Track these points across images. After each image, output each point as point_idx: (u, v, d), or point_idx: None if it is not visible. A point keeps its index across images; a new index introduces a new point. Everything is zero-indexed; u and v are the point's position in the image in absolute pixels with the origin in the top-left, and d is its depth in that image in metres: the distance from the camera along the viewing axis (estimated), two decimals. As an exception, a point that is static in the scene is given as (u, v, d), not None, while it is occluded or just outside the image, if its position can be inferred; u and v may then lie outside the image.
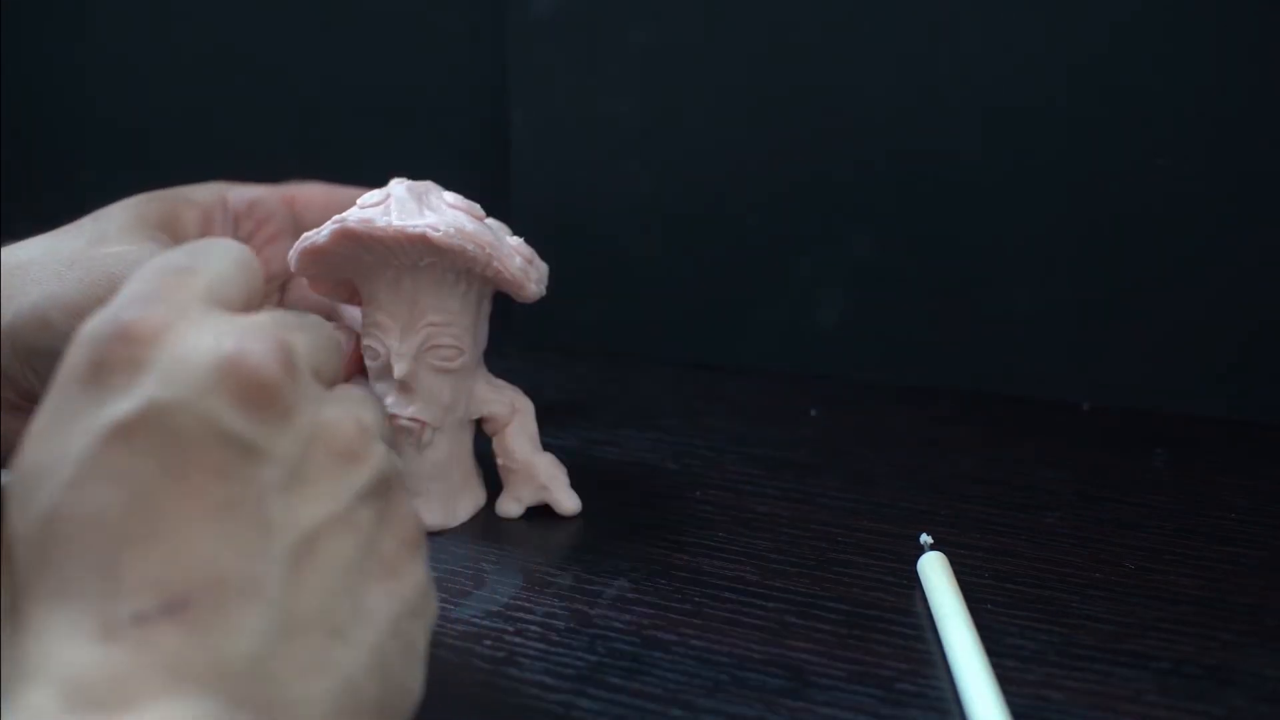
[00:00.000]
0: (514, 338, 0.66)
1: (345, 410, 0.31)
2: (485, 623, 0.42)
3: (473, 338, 0.48)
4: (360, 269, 0.47)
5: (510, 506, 0.49)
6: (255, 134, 0.72)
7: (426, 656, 0.32)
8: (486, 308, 0.48)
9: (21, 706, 0.26)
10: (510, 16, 0.63)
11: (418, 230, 0.44)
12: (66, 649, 0.27)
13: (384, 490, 0.32)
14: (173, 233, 0.49)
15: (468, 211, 0.46)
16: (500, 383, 0.49)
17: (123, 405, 0.28)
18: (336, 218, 0.46)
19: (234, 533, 0.28)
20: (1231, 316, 0.56)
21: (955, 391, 0.60)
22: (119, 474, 0.28)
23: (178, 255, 0.32)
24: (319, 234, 0.46)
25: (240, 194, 0.52)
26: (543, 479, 0.49)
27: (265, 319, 0.31)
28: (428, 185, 0.47)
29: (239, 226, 0.52)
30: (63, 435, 0.29)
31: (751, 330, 0.64)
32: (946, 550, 0.44)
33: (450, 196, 0.47)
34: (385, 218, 0.45)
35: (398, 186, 0.46)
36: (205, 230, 0.51)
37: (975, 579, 0.43)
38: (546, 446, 0.50)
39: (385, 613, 0.30)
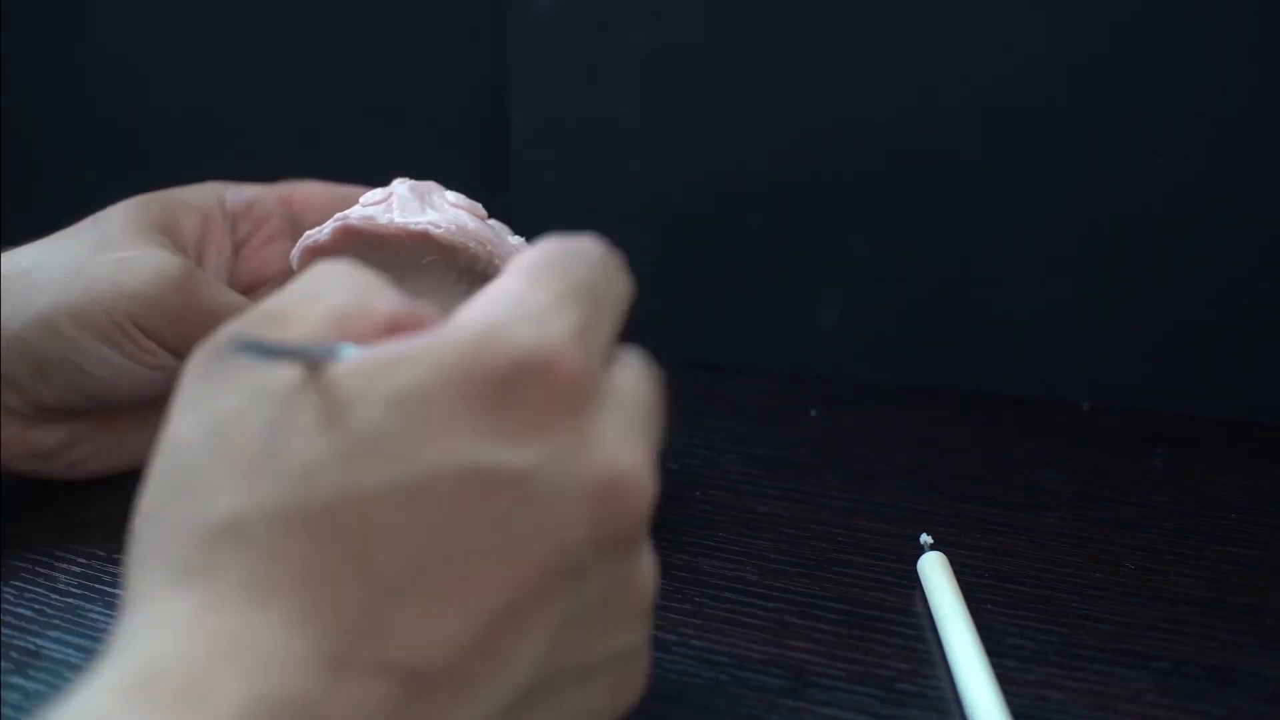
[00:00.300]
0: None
1: (651, 563, 0.31)
2: (485, 622, 0.42)
3: (473, 337, 0.48)
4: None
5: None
6: (255, 134, 0.72)
7: None
8: (487, 307, 0.48)
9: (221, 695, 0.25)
10: (510, 16, 0.63)
11: (420, 227, 0.44)
12: (294, 656, 0.25)
13: (630, 659, 0.32)
14: (172, 236, 0.49)
15: (470, 211, 0.46)
16: (500, 382, 0.49)
17: (510, 456, 0.27)
18: (338, 215, 0.46)
19: (511, 639, 0.27)
20: (1231, 316, 0.56)
21: (955, 391, 0.60)
22: (456, 516, 0.27)
23: (560, 253, 0.32)
24: (320, 232, 0.46)
25: (237, 194, 0.52)
26: (543, 479, 0.49)
27: (642, 416, 0.31)
28: (430, 185, 0.47)
29: (236, 227, 0.52)
30: (416, 432, 0.27)
31: (751, 330, 0.64)
32: (946, 550, 0.44)
33: (453, 196, 0.47)
34: (387, 215, 0.45)
35: (400, 185, 0.46)
36: (205, 233, 0.51)
37: (975, 579, 0.43)
38: (546, 446, 0.50)
39: None
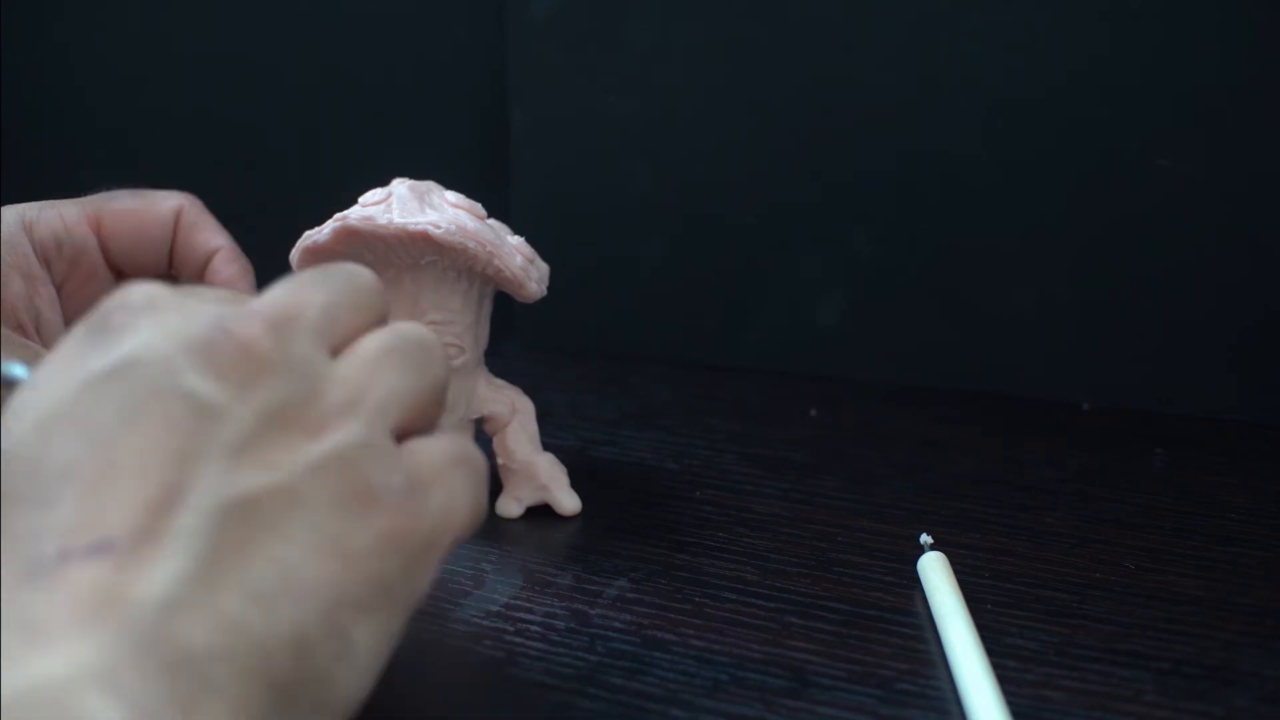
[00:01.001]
0: (514, 338, 0.66)
1: (308, 383, 0.31)
2: (485, 623, 0.42)
3: (473, 337, 0.48)
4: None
5: (510, 506, 0.49)
6: (255, 134, 0.72)
7: (379, 662, 0.30)
8: (487, 307, 0.48)
9: None
10: (510, 16, 0.63)
11: (419, 228, 0.44)
12: (6, 586, 0.27)
13: (344, 471, 0.30)
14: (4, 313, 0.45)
15: (470, 210, 0.46)
16: (500, 382, 0.49)
17: (102, 359, 0.30)
18: (338, 215, 0.46)
19: (170, 484, 0.28)
20: (1231, 317, 0.56)
21: (955, 391, 0.60)
22: (81, 419, 0.29)
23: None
24: (320, 232, 0.46)
25: (45, 229, 0.47)
26: (543, 479, 0.49)
27: (272, 291, 0.32)
28: (430, 185, 0.47)
29: (52, 270, 0.48)
30: (50, 383, 0.30)
31: (751, 330, 0.64)
32: (946, 550, 0.44)
33: (452, 195, 0.47)
34: (387, 215, 0.45)
35: (400, 185, 0.46)
36: (30, 291, 0.46)
37: (975, 579, 0.43)
38: (546, 446, 0.50)
39: (322, 595, 0.29)
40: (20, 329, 0.45)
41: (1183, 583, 0.44)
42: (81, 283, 0.48)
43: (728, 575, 0.45)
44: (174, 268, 0.50)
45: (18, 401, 0.30)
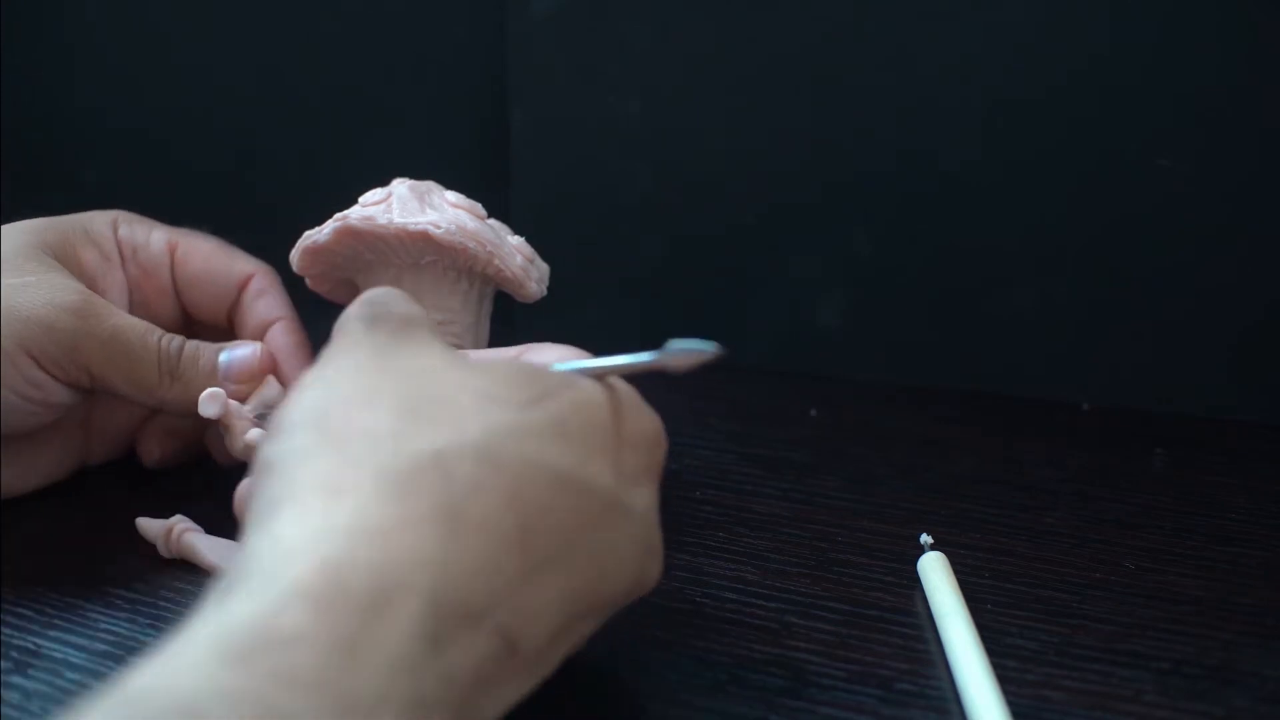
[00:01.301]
0: (514, 338, 0.66)
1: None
2: (485, 622, 0.42)
3: (474, 337, 0.48)
4: (361, 267, 0.47)
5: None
6: (255, 134, 0.72)
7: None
8: (487, 307, 0.48)
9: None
10: (510, 16, 0.63)
11: (419, 227, 0.44)
12: (454, 609, 0.28)
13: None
14: (70, 264, 0.48)
15: (470, 210, 0.46)
16: (500, 382, 0.49)
17: (633, 498, 0.35)
18: (338, 215, 0.46)
19: (565, 644, 0.33)
20: (1231, 317, 0.56)
21: (955, 391, 0.60)
22: (595, 529, 0.33)
23: None
24: (320, 232, 0.46)
25: (129, 232, 0.51)
26: (543, 479, 0.49)
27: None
28: (430, 185, 0.47)
29: (125, 269, 0.51)
30: (588, 450, 0.33)
31: (751, 330, 0.64)
32: (946, 550, 0.44)
33: (452, 195, 0.47)
34: (387, 215, 0.45)
35: (400, 185, 0.46)
36: (103, 269, 0.50)
37: (975, 579, 0.43)
38: (546, 446, 0.49)
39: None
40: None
41: (1183, 583, 0.44)
42: (149, 295, 0.51)
43: (728, 575, 0.45)
44: (231, 324, 0.51)
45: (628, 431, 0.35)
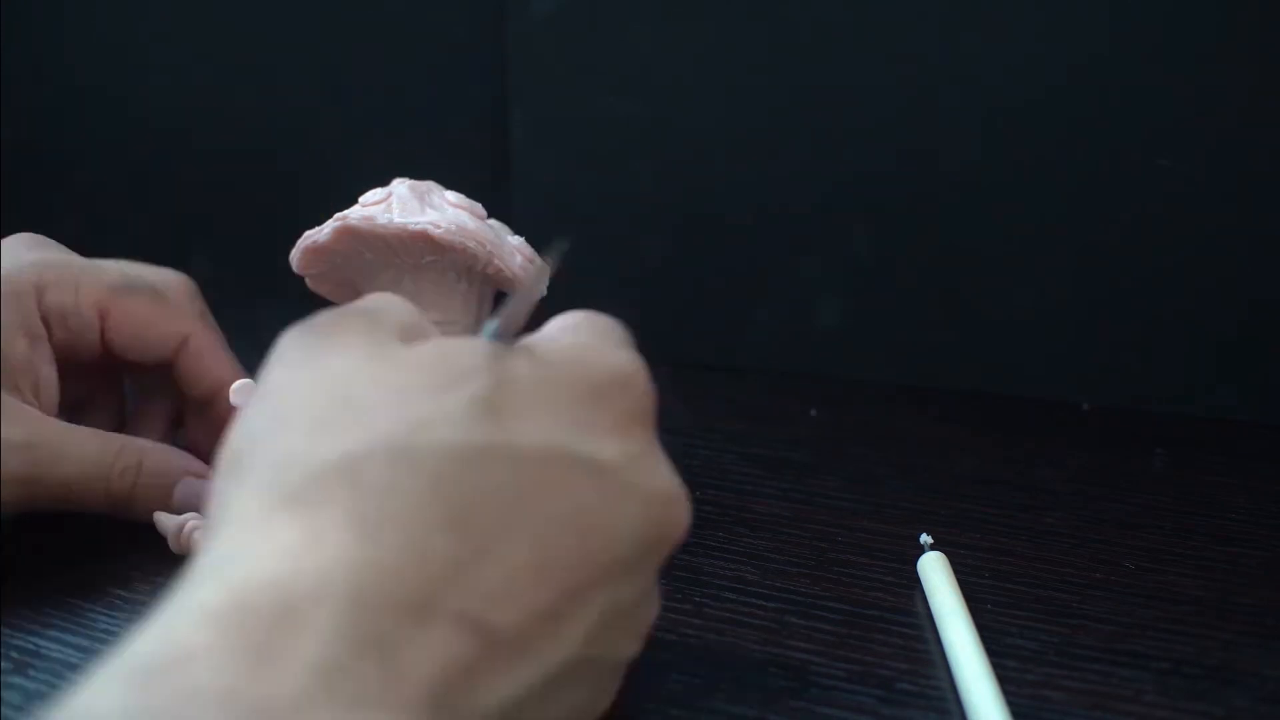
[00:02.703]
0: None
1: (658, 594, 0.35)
2: (485, 622, 0.42)
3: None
4: (361, 267, 0.47)
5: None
6: (255, 134, 0.72)
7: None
8: (487, 307, 0.48)
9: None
10: (510, 16, 0.63)
11: (419, 227, 0.44)
12: (390, 608, 0.27)
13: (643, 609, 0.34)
14: (7, 363, 0.46)
15: (470, 210, 0.46)
16: (500, 382, 0.49)
17: (598, 450, 0.31)
18: (338, 215, 0.46)
19: (576, 618, 0.30)
20: (1231, 316, 0.56)
21: (955, 391, 0.60)
22: (554, 493, 0.30)
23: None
24: (320, 232, 0.46)
25: (57, 302, 0.47)
26: (543, 479, 0.49)
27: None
28: (430, 184, 0.47)
29: (52, 340, 0.48)
30: (528, 418, 0.31)
31: (751, 330, 0.64)
32: (946, 550, 0.44)
33: (452, 195, 0.47)
34: (387, 215, 0.45)
35: (400, 185, 0.46)
36: (31, 356, 0.46)
37: (975, 579, 0.43)
38: (546, 446, 0.49)
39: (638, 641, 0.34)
40: (16, 391, 0.45)
41: (1183, 583, 0.44)
42: (79, 352, 0.48)
43: (728, 575, 0.45)
44: (176, 381, 0.50)
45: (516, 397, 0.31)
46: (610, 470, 0.31)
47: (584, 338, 0.34)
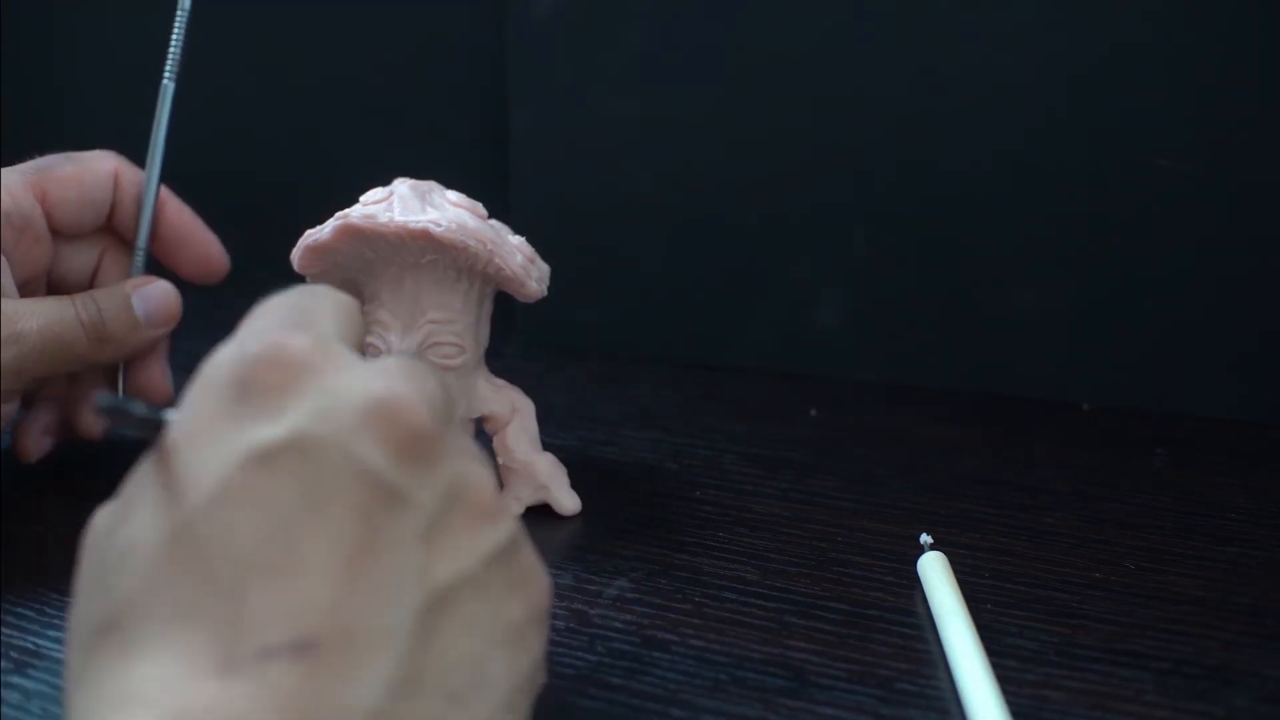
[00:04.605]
0: (514, 338, 0.66)
1: (482, 467, 0.31)
2: (485, 622, 0.42)
3: (474, 336, 0.48)
4: (362, 266, 0.47)
5: (510, 506, 0.49)
6: (255, 133, 0.72)
7: None
8: (488, 307, 0.48)
9: None
10: (510, 16, 0.63)
11: (420, 226, 0.44)
12: (179, 677, 0.26)
13: (513, 554, 0.31)
14: None
15: (470, 210, 0.46)
16: (500, 382, 0.49)
17: (269, 430, 0.28)
18: (340, 214, 0.46)
19: (370, 578, 0.27)
20: (1231, 317, 0.56)
21: (955, 391, 0.60)
22: (259, 500, 0.27)
23: (296, 296, 0.32)
24: (321, 231, 0.46)
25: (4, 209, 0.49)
26: (543, 479, 0.49)
27: (403, 364, 0.31)
28: (431, 184, 0.47)
29: (15, 243, 0.49)
30: (199, 451, 0.28)
31: (751, 330, 0.64)
32: (946, 550, 0.44)
33: (453, 195, 0.47)
34: (388, 214, 0.45)
35: (401, 185, 0.47)
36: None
37: (975, 579, 0.43)
38: (546, 446, 0.50)
39: (504, 684, 0.29)
40: None
41: (1183, 583, 0.44)
42: (27, 248, 0.50)
43: (728, 575, 0.45)
44: (113, 224, 0.53)
45: (179, 464, 0.28)
46: (292, 437, 0.28)
47: (229, 340, 0.31)
